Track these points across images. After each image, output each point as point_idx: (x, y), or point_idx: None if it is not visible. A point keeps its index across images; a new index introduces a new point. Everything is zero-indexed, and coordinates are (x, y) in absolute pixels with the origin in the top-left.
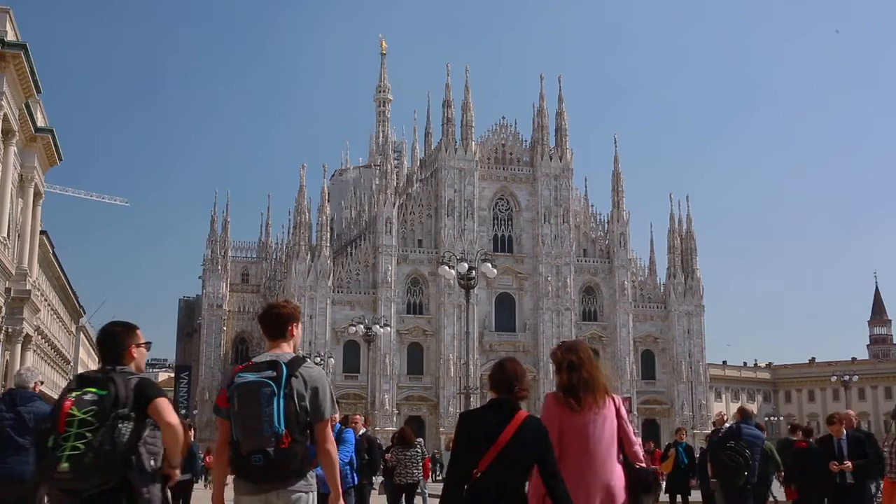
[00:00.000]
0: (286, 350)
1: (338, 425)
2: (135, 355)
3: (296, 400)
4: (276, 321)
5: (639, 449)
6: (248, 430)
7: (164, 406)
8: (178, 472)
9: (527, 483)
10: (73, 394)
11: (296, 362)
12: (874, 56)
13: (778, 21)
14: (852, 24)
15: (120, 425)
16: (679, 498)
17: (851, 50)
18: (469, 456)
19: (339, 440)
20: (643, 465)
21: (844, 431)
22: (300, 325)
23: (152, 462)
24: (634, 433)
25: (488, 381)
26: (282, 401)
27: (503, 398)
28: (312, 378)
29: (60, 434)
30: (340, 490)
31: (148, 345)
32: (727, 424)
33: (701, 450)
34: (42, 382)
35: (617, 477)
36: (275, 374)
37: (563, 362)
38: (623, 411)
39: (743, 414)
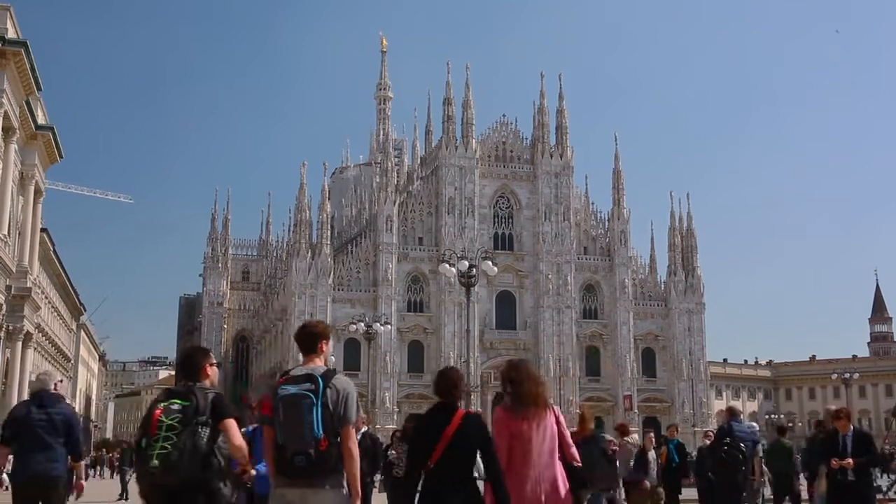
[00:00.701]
0: (318, 364)
1: (249, 428)
2: (209, 373)
3: (331, 408)
4: (310, 339)
5: (575, 451)
6: (292, 435)
7: (233, 428)
8: (249, 466)
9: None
10: (162, 404)
11: (329, 375)
12: (874, 56)
13: (778, 21)
14: (852, 24)
15: (200, 430)
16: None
17: (851, 50)
18: (422, 451)
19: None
20: (579, 464)
21: (851, 427)
22: (329, 342)
23: (223, 463)
24: (636, 431)
25: (433, 387)
26: (320, 409)
27: (445, 401)
28: (343, 388)
29: (152, 437)
30: (360, 490)
31: (218, 364)
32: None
33: (699, 449)
34: (61, 381)
35: (558, 473)
36: (312, 386)
37: (507, 379)
38: (562, 420)
39: (731, 413)
